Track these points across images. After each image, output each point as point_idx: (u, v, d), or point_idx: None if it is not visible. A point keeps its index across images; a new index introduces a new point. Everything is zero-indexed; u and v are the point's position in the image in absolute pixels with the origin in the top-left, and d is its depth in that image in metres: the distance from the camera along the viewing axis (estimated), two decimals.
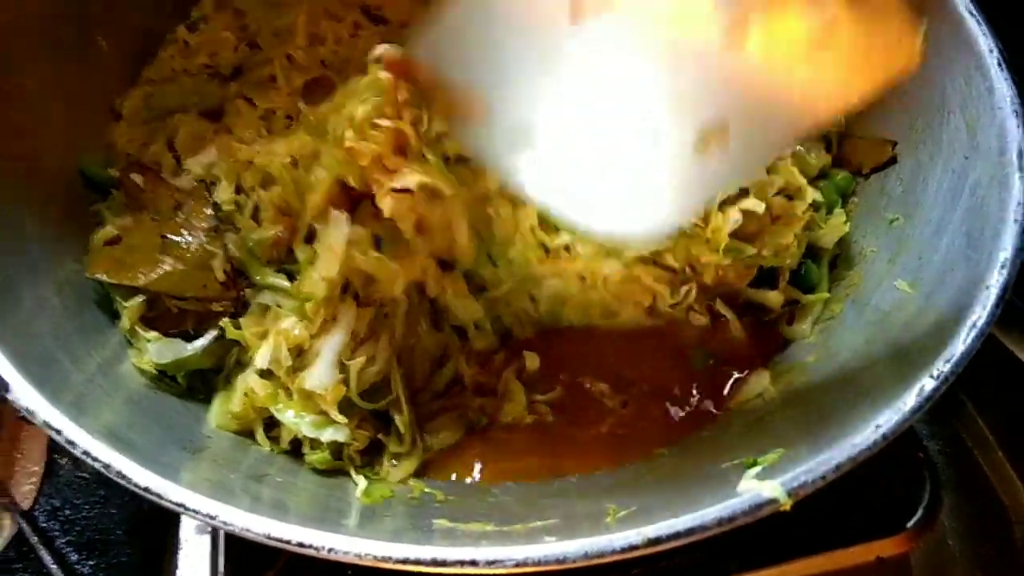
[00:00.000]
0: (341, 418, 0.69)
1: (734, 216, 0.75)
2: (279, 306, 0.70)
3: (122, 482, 0.57)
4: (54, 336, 0.68)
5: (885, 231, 0.82)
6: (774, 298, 0.81)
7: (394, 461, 0.71)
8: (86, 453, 0.57)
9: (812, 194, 0.82)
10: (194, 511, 0.56)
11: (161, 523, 0.83)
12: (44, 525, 0.85)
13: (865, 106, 0.83)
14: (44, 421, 0.57)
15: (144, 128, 0.82)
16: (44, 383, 0.60)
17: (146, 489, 0.56)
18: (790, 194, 0.82)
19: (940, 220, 0.76)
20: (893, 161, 0.85)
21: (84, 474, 0.88)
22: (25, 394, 0.58)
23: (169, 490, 0.56)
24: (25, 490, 0.91)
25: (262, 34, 0.85)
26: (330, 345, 0.68)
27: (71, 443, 0.57)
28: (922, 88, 0.82)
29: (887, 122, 0.86)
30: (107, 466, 0.56)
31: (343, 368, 0.69)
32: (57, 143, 0.81)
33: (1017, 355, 0.90)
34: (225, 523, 0.56)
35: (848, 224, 0.85)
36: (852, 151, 0.88)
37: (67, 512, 0.85)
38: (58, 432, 0.56)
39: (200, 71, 0.84)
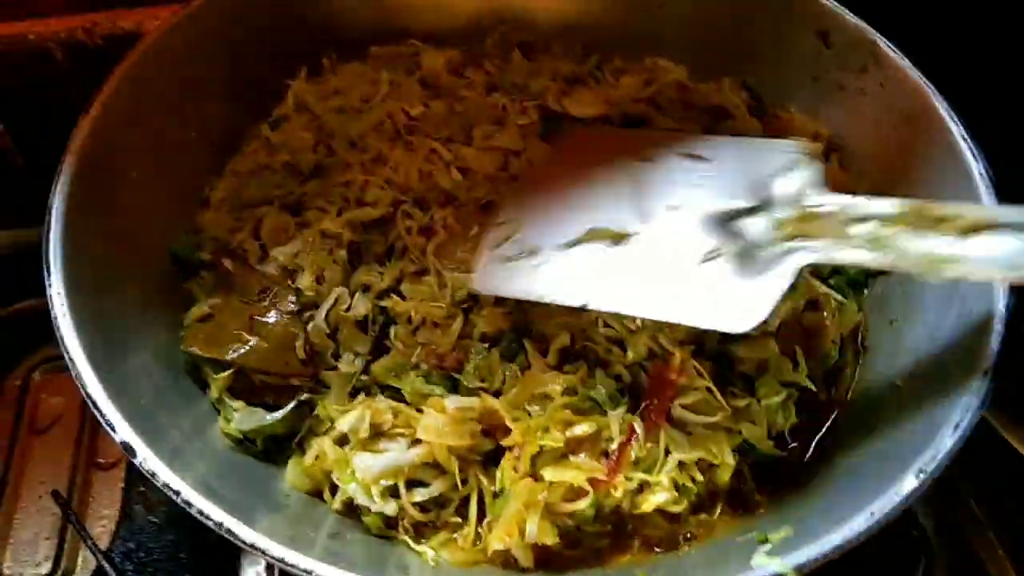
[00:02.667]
0: (379, 501, 0.75)
1: None
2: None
3: (209, 524, 0.65)
4: (154, 397, 0.78)
5: (885, 329, 0.91)
6: None
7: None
8: (186, 502, 0.65)
9: (834, 300, 0.90)
10: (263, 551, 0.64)
11: (224, 568, 0.93)
12: (120, 566, 0.94)
13: None
14: (150, 470, 0.67)
15: (230, 216, 0.93)
16: (148, 436, 0.69)
17: (228, 531, 0.64)
18: (814, 300, 0.90)
19: (934, 324, 0.84)
20: None
21: (155, 519, 0.97)
22: (127, 435, 0.67)
23: (248, 534, 0.64)
24: (97, 532, 1.00)
25: (337, 139, 0.96)
26: (404, 456, 0.76)
27: (176, 492, 0.65)
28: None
29: None
30: (201, 512, 0.65)
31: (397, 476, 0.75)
32: (153, 225, 0.92)
33: (1008, 439, 0.99)
34: (291, 565, 0.63)
35: (861, 314, 0.93)
36: None
37: (141, 555, 0.94)
38: (167, 485, 0.65)
39: (282, 168, 0.96)
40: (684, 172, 0.88)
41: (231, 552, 0.94)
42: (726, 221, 0.80)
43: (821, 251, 0.75)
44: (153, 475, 0.65)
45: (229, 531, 0.62)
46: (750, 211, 0.80)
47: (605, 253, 0.82)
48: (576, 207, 0.87)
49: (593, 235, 0.83)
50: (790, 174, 0.81)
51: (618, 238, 0.82)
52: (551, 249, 0.84)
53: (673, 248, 0.80)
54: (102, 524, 1.00)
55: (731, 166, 0.87)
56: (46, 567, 0.96)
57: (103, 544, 0.95)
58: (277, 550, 0.62)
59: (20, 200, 1.28)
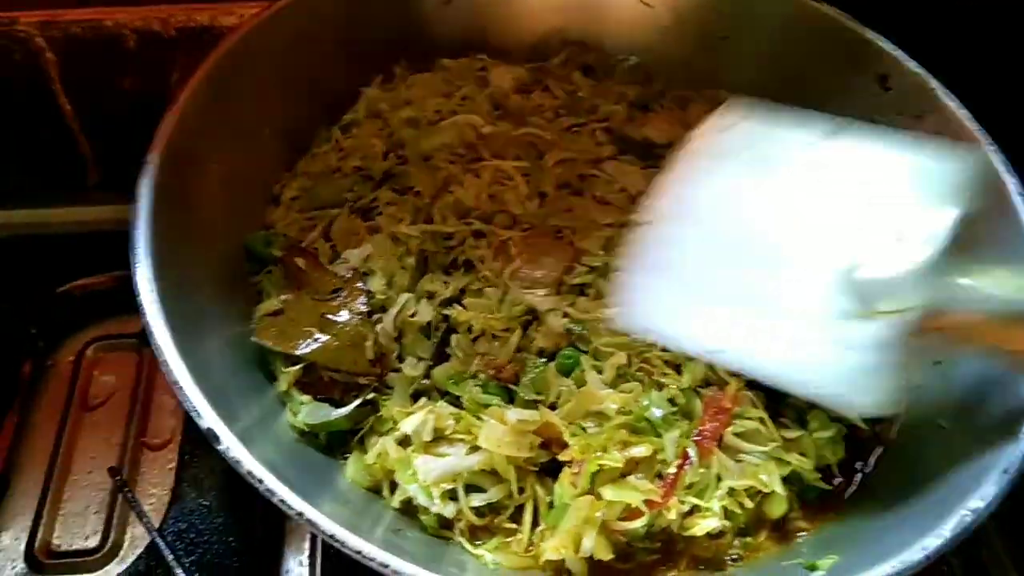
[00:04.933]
0: (439, 503, 0.77)
1: None
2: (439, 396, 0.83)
3: (290, 512, 0.66)
4: (229, 382, 0.81)
5: (929, 369, 0.93)
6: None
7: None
8: (269, 491, 0.67)
9: None
10: (343, 542, 0.65)
11: (270, 554, 0.96)
12: (171, 544, 0.96)
13: None
14: (234, 458, 0.69)
15: (300, 215, 0.96)
16: (223, 417, 0.71)
17: (310, 521, 0.66)
18: None
19: (979, 367, 0.87)
20: None
21: (206, 502, 1.00)
22: (212, 422, 0.70)
23: (329, 526, 0.66)
24: (147, 510, 1.03)
25: (408, 149, 0.99)
26: (464, 462, 0.78)
27: (259, 480, 0.67)
28: (975, 249, 0.94)
29: None
30: (283, 501, 0.67)
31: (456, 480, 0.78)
32: (229, 218, 0.95)
33: None
34: (370, 559, 0.65)
35: None
36: None
37: (192, 535, 0.97)
38: (251, 474, 0.68)
39: (353, 172, 0.99)
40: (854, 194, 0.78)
41: (277, 539, 0.97)
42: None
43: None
44: (237, 463, 0.67)
45: (310, 521, 0.65)
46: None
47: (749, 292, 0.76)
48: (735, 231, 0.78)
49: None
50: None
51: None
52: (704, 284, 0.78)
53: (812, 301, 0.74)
54: (151, 503, 1.03)
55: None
56: (95, 540, 0.98)
57: (155, 523, 0.98)
58: (354, 541, 0.64)
59: (83, 181, 1.33)
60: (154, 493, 1.04)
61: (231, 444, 0.68)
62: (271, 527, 0.98)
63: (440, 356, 0.88)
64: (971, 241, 0.93)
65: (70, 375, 1.14)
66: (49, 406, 1.10)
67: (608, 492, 0.75)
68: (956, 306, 0.75)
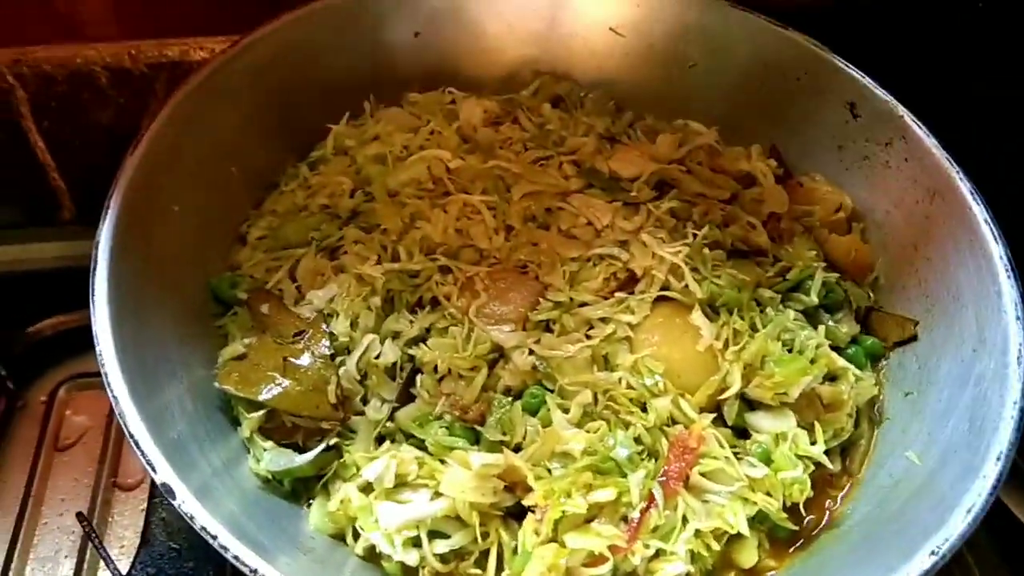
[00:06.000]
0: (401, 550, 0.76)
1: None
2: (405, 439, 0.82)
3: (244, 569, 0.66)
4: (188, 431, 0.80)
5: (900, 402, 0.93)
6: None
7: None
8: (223, 546, 0.66)
9: (852, 375, 0.91)
10: None
11: None
12: None
13: (892, 286, 0.98)
14: (189, 513, 0.68)
15: (266, 256, 0.95)
16: (183, 473, 0.71)
17: (253, 571, 0.66)
18: (833, 375, 0.92)
19: (948, 401, 0.86)
20: (914, 338, 0.96)
21: (176, 545, 0.99)
22: (167, 476, 0.69)
23: (267, 570, 0.66)
24: (116, 553, 1.02)
25: (375, 187, 0.99)
26: (427, 508, 0.77)
27: (213, 536, 0.67)
28: (942, 279, 0.94)
29: (910, 303, 0.98)
30: (237, 557, 0.66)
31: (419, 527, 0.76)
32: (193, 260, 0.94)
33: (1013, 511, 1.01)
34: None
35: (877, 387, 0.94)
36: (879, 324, 0.99)
37: None
38: (204, 529, 0.67)
39: (319, 210, 0.98)
40: None
41: None
42: None
43: None
44: (192, 518, 0.67)
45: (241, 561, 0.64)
46: None
47: None
48: None
49: None
50: None
51: None
52: None
53: None
54: (122, 546, 1.02)
55: None
56: None
57: (123, 567, 0.97)
58: None
59: (56, 217, 1.32)
60: (125, 536, 1.04)
61: (186, 498, 0.68)
62: (241, 573, 0.96)
63: (406, 397, 0.88)
64: (941, 272, 0.94)
65: (42, 415, 1.13)
66: (20, 447, 1.10)
67: (571, 539, 0.75)
68: None
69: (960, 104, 1.24)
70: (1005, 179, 1.05)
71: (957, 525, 0.72)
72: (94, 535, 0.97)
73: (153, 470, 0.69)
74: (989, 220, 0.91)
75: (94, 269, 0.80)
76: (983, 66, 1.18)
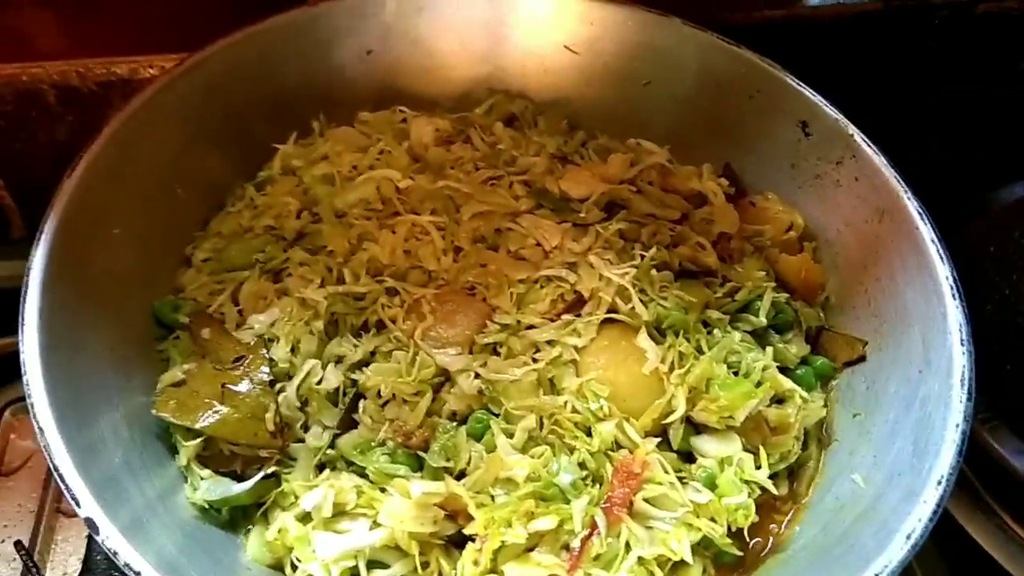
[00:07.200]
0: None
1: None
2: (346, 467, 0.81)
3: None
4: (123, 462, 0.78)
5: (849, 423, 0.92)
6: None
7: None
8: (136, 572, 0.65)
9: (799, 397, 0.91)
10: None
11: None
12: None
13: (843, 305, 0.97)
14: (112, 549, 0.67)
15: (210, 278, 0.94)
16: (112, 507, 0.69)
17: None
18: (780, 398, 0.91)
19: (895, 424, 0.86)
20: (863, 359, 0.95)
21: (117, 574, 0.97)
22: (92, 511, 0.68)
23: None
24: None
25: (322, 207, 0.97)
26: (365, 538, 0.76)
27: (136, 573, 0.66)
28: (891, 299, 0.94)
29: (860, 323, 0.97)
30: None
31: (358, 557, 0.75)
32: (135, 284, 0.92)
33: (963, 526, 1.01)
34: None
35: (826, 409, 0.94)
36: (829, 344, 0.98)
37: None
38: (114, 553, 0.66)
39: (265, 231, 0.97)
40: None
41: None
42: None
43: None
44: (115, 554, 0.65)
45: None
46: None
47: None
48: None
49: None
50: None
51: None
52: None
53: None
54: (64, 572, 0.99)
55: None
56: None
57: None
58: None
59: (7, 237, 1.30)
60: (68, 562, 1.01)
61: (110, 534, 0.66)
62: None
63: (349, 423, 0.86)
64: (890, 292, 0.94)
65: None
66: None
67: (511, 569, 0.73)
68: None
69: (912, 119, 1.25)
70: (956, 197, 1.06)
71: (897, 552, 0.72)
72: (32, 565, 0.94)
73: (77, 505, 0.67)
74: (936, 240, 0.90)
75: (24, 294, 0.78)
76: (935, 81, 1.19)
